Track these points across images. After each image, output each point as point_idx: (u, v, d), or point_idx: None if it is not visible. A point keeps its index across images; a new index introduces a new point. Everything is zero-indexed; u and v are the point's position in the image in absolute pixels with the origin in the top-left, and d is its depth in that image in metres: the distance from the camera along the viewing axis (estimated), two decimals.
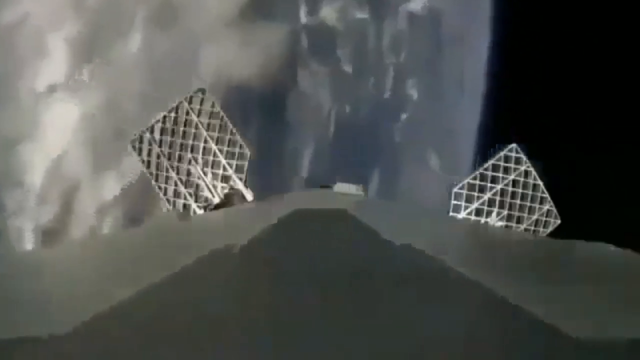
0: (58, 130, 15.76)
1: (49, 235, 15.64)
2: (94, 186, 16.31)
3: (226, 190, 6.68)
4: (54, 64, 15.86)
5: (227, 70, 17.96)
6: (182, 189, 6.74)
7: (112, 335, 0.90)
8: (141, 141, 6.76)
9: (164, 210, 6.84)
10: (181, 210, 6.70)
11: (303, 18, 21.74)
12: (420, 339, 0.87)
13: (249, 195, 6.59)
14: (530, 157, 6.95)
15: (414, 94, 26.96)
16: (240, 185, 6.66)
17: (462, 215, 6.71)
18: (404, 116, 26.86)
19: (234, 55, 18.15)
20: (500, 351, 0.82)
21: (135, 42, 16.62)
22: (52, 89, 15.89)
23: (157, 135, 6.71)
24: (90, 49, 16.03)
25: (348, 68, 25.27)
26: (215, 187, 6.70)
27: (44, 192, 15.97)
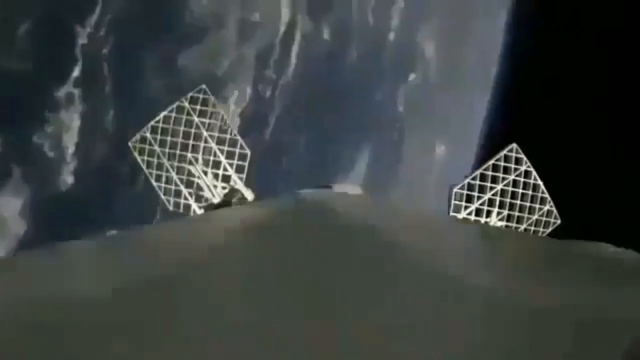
0: None
1: None
2: None
3: (226, 190, 6.68)
4: None
5: None
6: (182, 188, 6.74)
7: None
8: (141, 141, 6.76)
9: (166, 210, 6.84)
10: (181, 210, 6.71)
11: None
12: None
13: (249, 195, 6.59)
14: (530, 157, 6.95)
15: (427, 47, 16.05)
16: (240, 185, 6.66)
17: (462, 215, 6.72)
18: (412, 77, 16.29)
19: None
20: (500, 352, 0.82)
21: None
22: None
23: (157, 135, 6.71)
24: None
25: None
26: (215, 187, 6.70)
27: None
